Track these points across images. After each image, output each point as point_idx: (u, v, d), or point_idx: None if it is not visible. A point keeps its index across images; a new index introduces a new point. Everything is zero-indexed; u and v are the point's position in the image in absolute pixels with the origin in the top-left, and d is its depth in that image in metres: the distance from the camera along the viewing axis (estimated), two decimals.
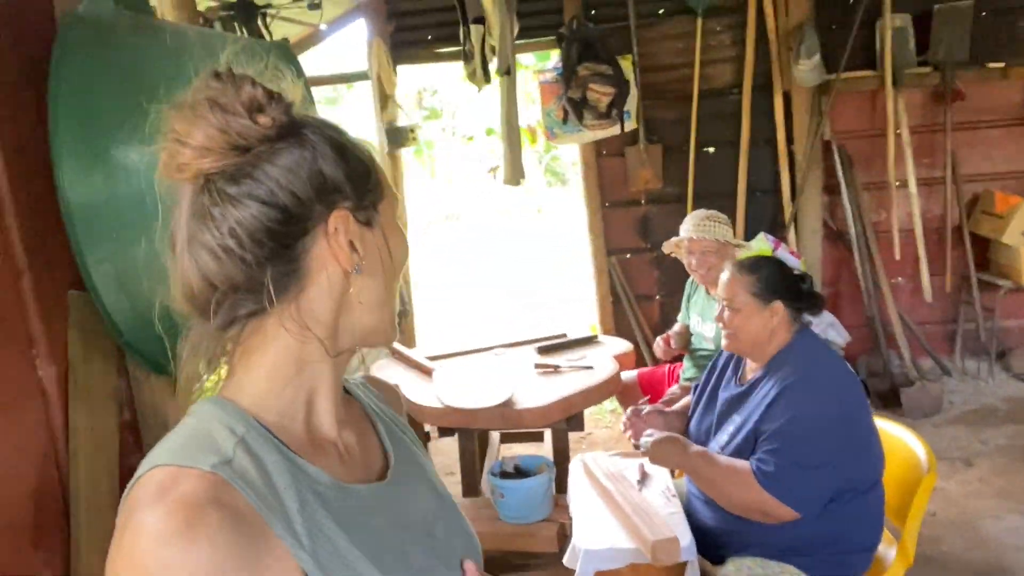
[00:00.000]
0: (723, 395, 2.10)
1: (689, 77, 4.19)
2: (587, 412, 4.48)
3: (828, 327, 4.15)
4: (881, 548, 2.00)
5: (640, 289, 4.55)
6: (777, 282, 2.04)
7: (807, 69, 3.86)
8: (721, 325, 2.06)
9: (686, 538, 1.85)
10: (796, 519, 1.81)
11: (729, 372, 2.14)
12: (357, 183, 0.73)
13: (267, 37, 2.08)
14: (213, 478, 0.62)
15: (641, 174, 4.33)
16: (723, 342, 2.09)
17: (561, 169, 11.72)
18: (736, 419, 2.00)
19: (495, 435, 3.54)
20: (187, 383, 0.73)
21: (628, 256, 4.52)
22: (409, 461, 0.87)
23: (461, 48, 3.13)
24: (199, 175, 0.68)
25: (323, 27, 4.14)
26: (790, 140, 4.19)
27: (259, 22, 2.04)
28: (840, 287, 4.43)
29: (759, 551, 1.92)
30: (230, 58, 0.71)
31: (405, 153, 10.99)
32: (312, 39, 4.22)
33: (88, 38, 1.33)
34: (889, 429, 2.13)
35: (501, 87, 2.66)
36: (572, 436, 4.15)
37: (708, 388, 2.20)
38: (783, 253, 4.19)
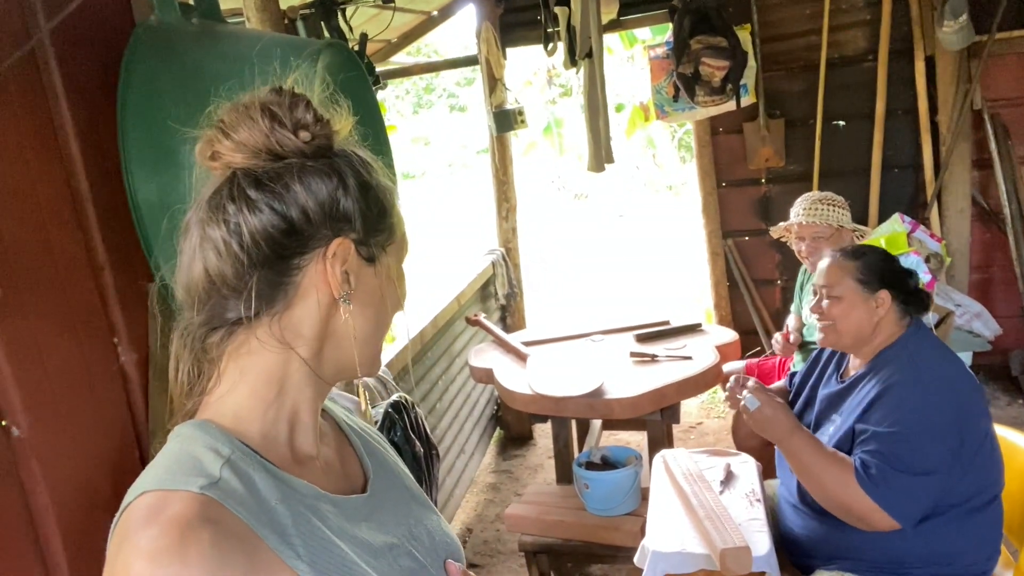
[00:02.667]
0: (823, 392, 1.94)
1: (816, 45, 3.87)
2: (698, 401, 4.35)
3: (974, 317, 3.75)
4: (998, 569, 1.78)
5: (759, 274, 4.31)
6: (884, 269, 1.85)
7: (953, 31, 3.45)
8: (817, 316, 1.89)
9: (763, 547, 1.74)
10: (893, 530, 1.64)
11: (831, 368, 1.97)
12: (369, 220, 0.75)
13: (348, 33, 2.13)
14: (202, 498, 0.63)
15: (761, 151, 4.08)
16: (818, 336, 1.90)
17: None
18: (836, 419, 1.85)
19: (596, 422, 3.49)
20: (179, 386, 0.74)
21: (746, 238, 4.28)
22: (386, 471, 0.88)
23: (542, 31, 3.06)
24: (228, 168, 0.71)
25: (434, 14, 4.20)
26: (933, 110, 3.78)
27: (339, 18, 2.09)
28: (992, 273, 3.97)
29: (850, 565, 1.77)
30: (295, 80, 0.76)
31: (529, 134, 10.97)
32: (424, 27, 4.29)
33: (155, 45, 1.41)
34: (1014, 439, 1.88)
35: (584, 70, 2.58)
36: (680, 426, 4.04)
37: (809, 384, 2.04)
38: (922, 235, 3.85)
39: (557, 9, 2.76)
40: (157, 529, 0.60)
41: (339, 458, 0.84)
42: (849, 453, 1.71)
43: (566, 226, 11.34)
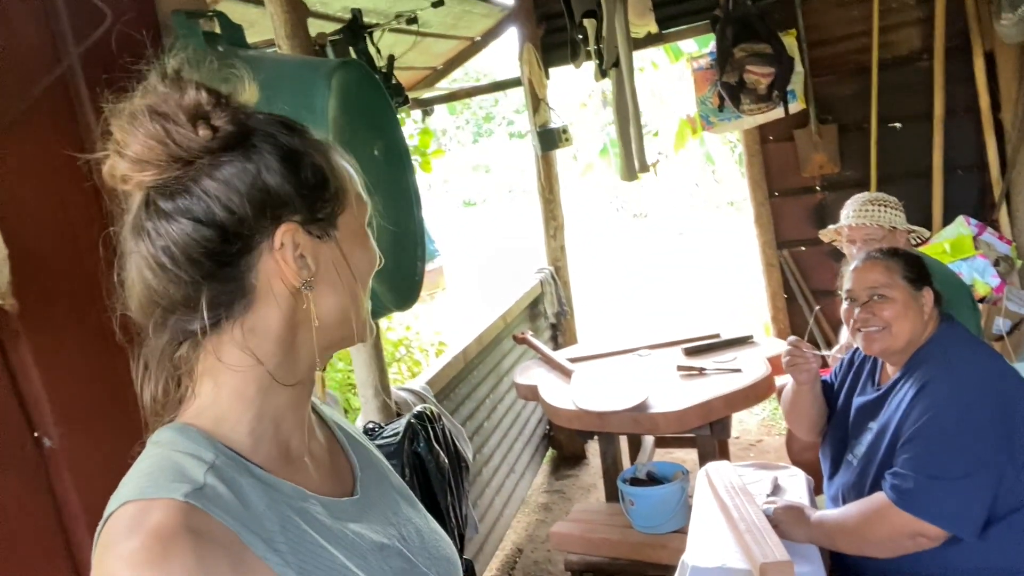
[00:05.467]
0: (858, 400, 1.85)
1: (867, 46, 3.76)
2: (758, 418, 4.21)
3: None
4: None
5: (818, 284, 4.16)
6: (920, 268, 1.76)
7: (1012, 23, 3.28)
8: (857, 324, 1.78)
9: (812, 563, 1.66)
10: (952, 539, 1.54)
11: (865, 375, 1.88)
12: (309, 195, 0.69)
13: (376, 56, 2.19)
14: (185, 507, 0.60)
15: (814, 158, 3.96)
16: (864, 343, 1.78)
17: None
18: (872, 427, 1.76)
19: (648, 439, 3.41)
20: (152, 404, 0.72)
21: (803, 248, 4.15)
22: (373, 470, 0.86)
23: (568, 45, 3.06)
24: (141, 186, 0.66)
25: (477, 39, 4.27)
26: (996, 108, 3.60)
27: (367, 42, 2.15)
28: None
29: None
30: (180, 61, 0.68)
31: (586, 156, 10.97)
32: (468, 52, 4.36)
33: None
34: None
35: (612, 81, 2.56)
36: (740, 443, 3.91)
37: (843, 393, 1.94)
38: (990, 238, 3.66)
39: (586, 22, 2.76)
40: (139, 540, 0.58)
41: (329, 456, 0.81)
42: (890, 463, 1.62)
43: (625, 245, 11.25)
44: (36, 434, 1.25)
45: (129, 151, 0.64)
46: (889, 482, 1.57)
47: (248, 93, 0.70)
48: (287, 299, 0.69)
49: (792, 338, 1.94)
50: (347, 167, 0.75)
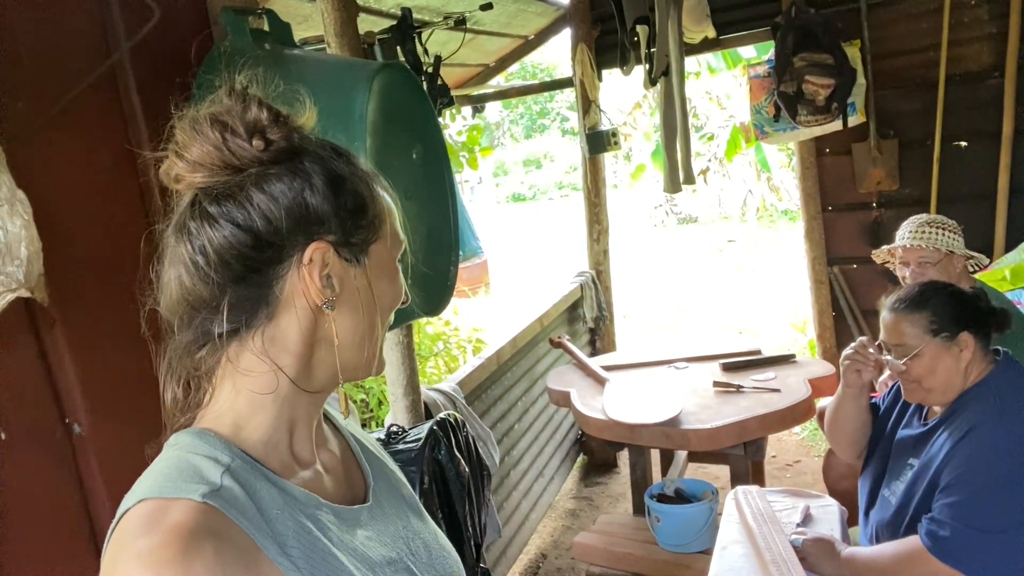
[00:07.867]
0: (902, 433, 1.77)
1: (934, 61, 3.61)
2: (797, 437, 4.10)
3: None
4: None
5: (869, 304, 4.03)
6: (956, 309, 1.66)
7: None
8: (893, 375, 1.72)
9: None
10: None
11: (913, 406, 1.80)
12: (346, 218, 0.71)
13: (423, 56, 2.18)
14: (204, 507, 0.61)
15: (872, 173, 3.83)
16: (905, 394, 1.73)
17: None
18: (914, 463, 1.68)
19: (680, 453, 3.36)
20: (172, 404, 0.74)
21: (854, 266, 4.02)
22: (384, 479, 0.86)
23: (618, 50, 3.00)
24: (192, 187, 0.70)
25: (531, 37, 4.24)
26: None
27: (415, 42, 2.15)
28: None
29: None
30: (248, 78, 0.72)
31: (638, 158, 10.84)
32: (521, 50, 4.34)
33: (221, 70, 1.49)
34: None
35: (661, 89, 2.50)
36: (776, 463, 3.82)
37: (888, 425, 1.87)
38: None
39: (638, 28, 2.71)
40: (159, 538, 0.58)
41: (342, 466, 0.82)
42: (928, 506, 1.55)
43: (673, 250, 11.11)
44: (67, 420, 1.29)
45: (187, 154, 0.68)
46: (925, 527, 1.51)
47: (307, 118, 0.73)
48: (308, 316, 0.71)
49: (864, 337, 1.86)
50: (388, 201, 0.77)
